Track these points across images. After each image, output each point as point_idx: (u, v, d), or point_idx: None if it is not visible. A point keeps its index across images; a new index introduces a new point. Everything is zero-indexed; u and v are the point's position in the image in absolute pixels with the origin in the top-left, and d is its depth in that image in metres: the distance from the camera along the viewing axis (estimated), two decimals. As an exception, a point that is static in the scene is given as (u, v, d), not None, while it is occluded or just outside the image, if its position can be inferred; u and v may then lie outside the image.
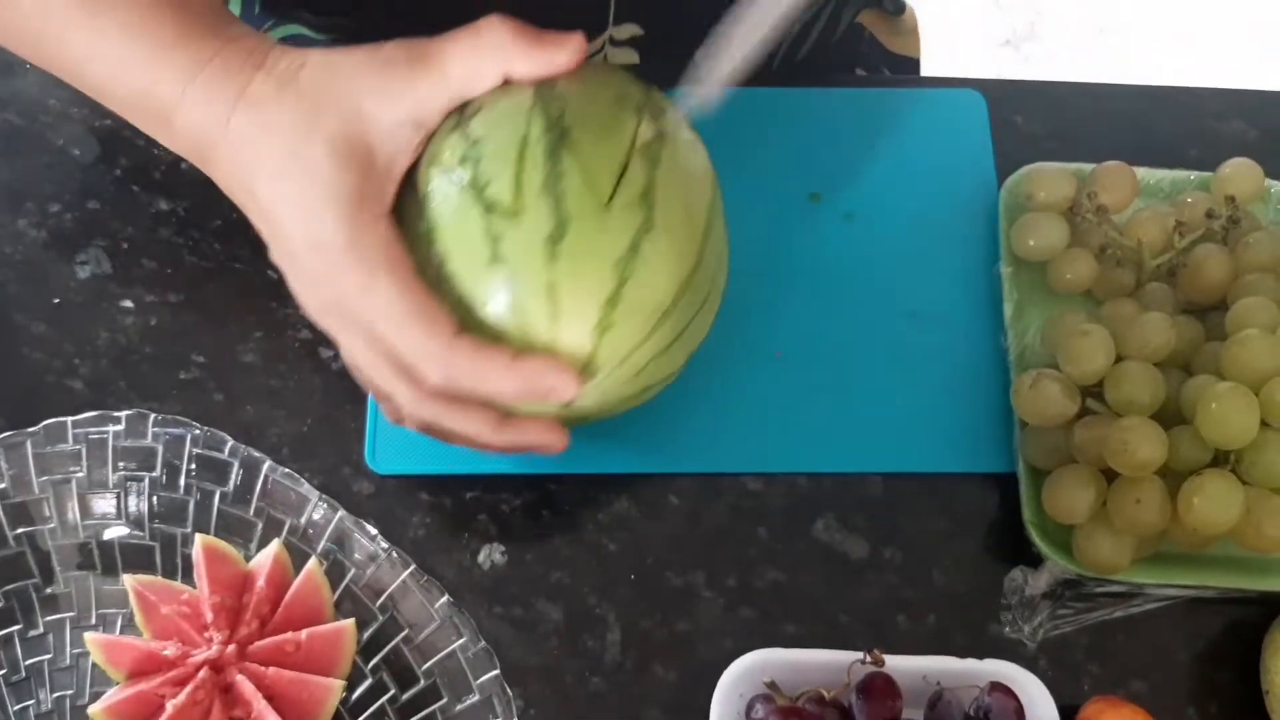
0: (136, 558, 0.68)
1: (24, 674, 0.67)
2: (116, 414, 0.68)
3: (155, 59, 0.62)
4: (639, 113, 0.62)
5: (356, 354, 0.63)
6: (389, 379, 0.62)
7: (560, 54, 0.62)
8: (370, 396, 0.73)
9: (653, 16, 0.82)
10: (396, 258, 0.60)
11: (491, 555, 0.71)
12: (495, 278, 0.60)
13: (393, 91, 0.60)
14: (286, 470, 0.68)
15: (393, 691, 0.66)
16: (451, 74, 0.61)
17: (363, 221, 0.59)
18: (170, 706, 0.63)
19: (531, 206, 0.59)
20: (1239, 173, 0.77)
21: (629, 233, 0.60)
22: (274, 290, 0.76)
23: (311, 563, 0.67)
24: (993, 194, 0.80)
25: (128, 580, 0.66)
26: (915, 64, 1.04)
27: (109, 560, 0.68)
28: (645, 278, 0.60)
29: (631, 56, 0.85)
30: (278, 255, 0.63)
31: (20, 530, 0.68)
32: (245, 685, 0.63)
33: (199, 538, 0.66)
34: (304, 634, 0.65)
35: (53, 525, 0.68)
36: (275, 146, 0.60)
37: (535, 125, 0.60)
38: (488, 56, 0.61)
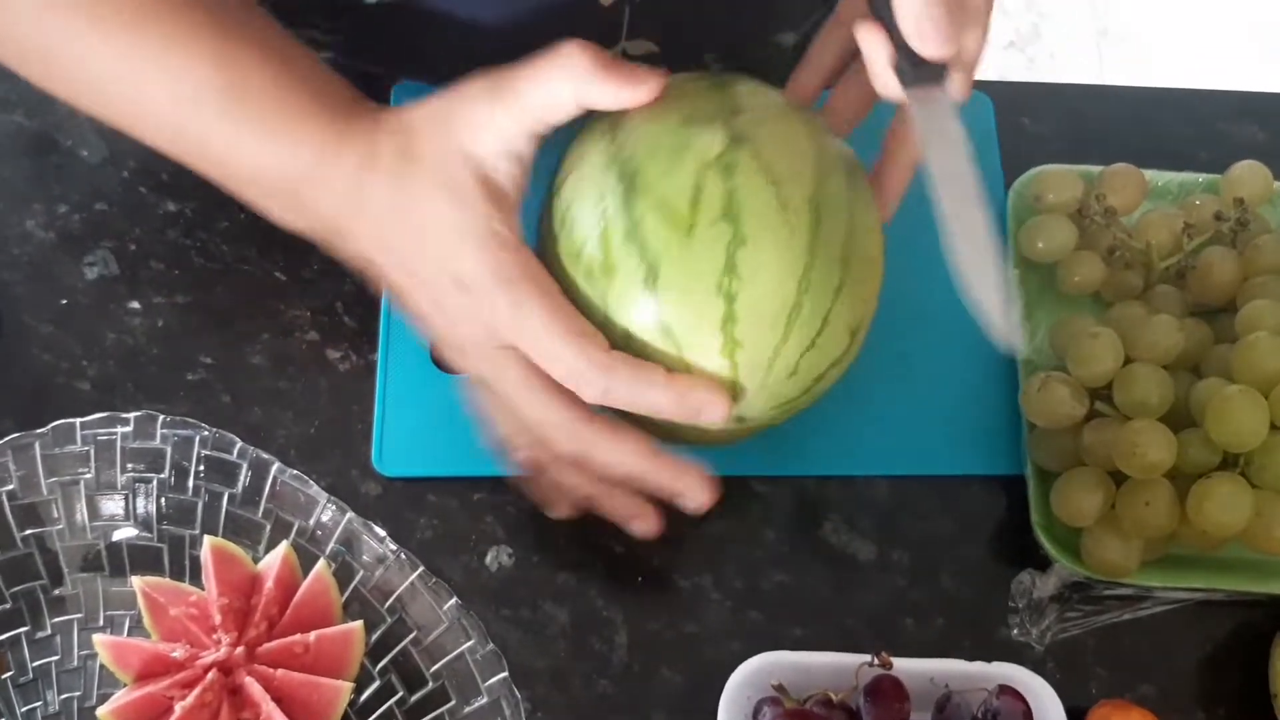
0: (145, 559, 0.68)
1: (31, 675, 0.67)
2: (125, 415, 0.68)
3: (283, 135, 0.62)
4: (711, 123, 0.61)
5: (509, 388, 0.63)
6: (544, 407, 0.62)
7: (640, 90, 0.61)
8: (379, 392, 0.73)
9: (666, 32, 0.82)
10: (543, 281, 0.60)
11: (499, 557, 0.71)
12: (615, 333, 0.61)
13: (479, 125, 0.61)
14: (295, 472, 0.68)
15: (401, 693, 0.66)
16: (528, 103, 0.60)
17: (500, 249, 0.60)
18: (179, 708, 0.63)
19: (621, 261, 0.60)
20: (1247, 175, 0.77)
21: (720, 252, 0.59)
22: (281, 292, 0.76)
23: (320, 564, 0.67)
24: (999, 196, 0.80)
25: (136, 582, 0.66)
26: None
27: (117, 562, 0.68)
28: (754, 289, 0.60)
29: None
30: (415, 304, 0.63)
31: (28, 531, 0.68)
32: (254, 687, 0.63)
33: (207, 539, 0.66)
34: (312, 636, 0.65)
35: (61, 527, 0.68)
36: (403, 205, 0.61)
37: (609, 178, 0.61)
38: (564, 85, 0.60)
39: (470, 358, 0.63)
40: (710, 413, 0.61)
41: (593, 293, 0.61)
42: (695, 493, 0.64)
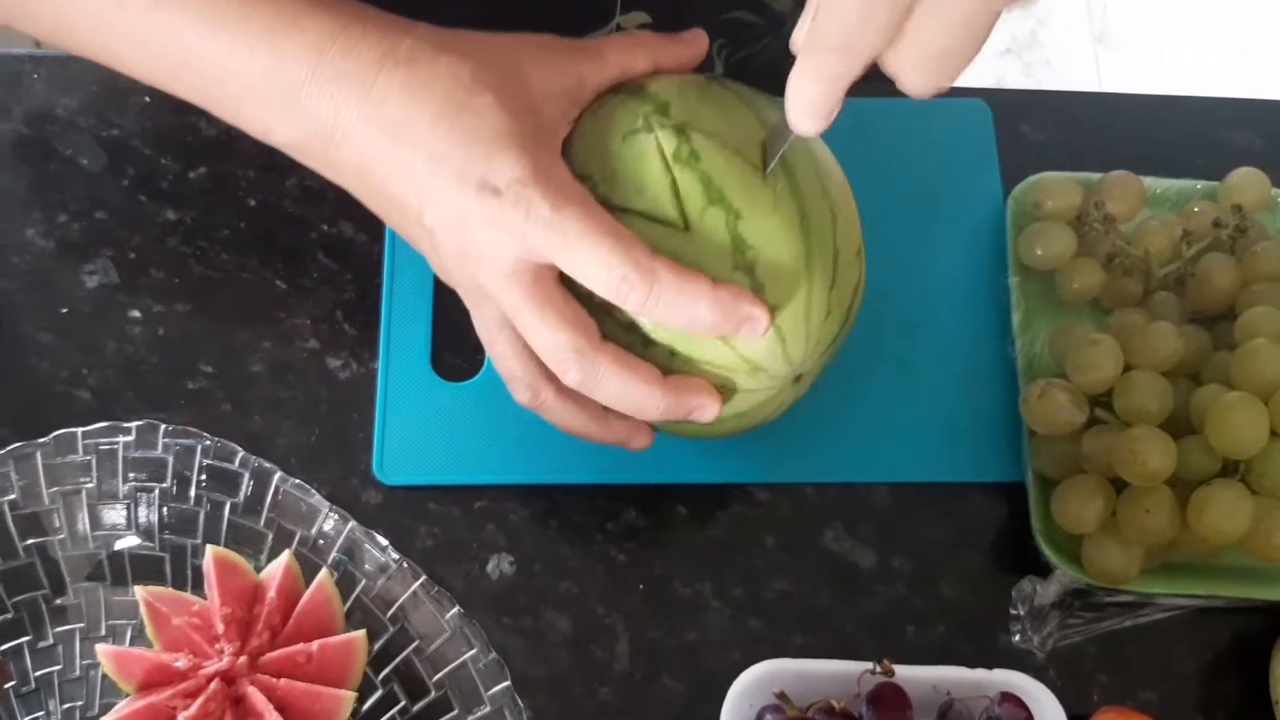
0: (147, 569, 0.68)
1: (34, 685, 0.67)
2: (127, 425, 0.68)
3: (284, 30, 0.59)
4: (650, 129, 0.62)
5: (520, 311, 0.60)
6: (558, 329, 0.59)
7: (694, 47, 0.67)
8: (380, 400, 0.73)
9: (660, 4, 0.82)
10: (582, 191, 0.59)
11: (500, 565, 0.71)
12: (660, 354, 0.61)
13: (556, 64, 0.61)
14: (297, 481, 0.68)
15: (404, 703, 0.66)
16: (609, 60, 0.64)
17: (543, 158, 0.59)
18: (181, 718, 0.63)
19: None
20: (1246, 182, 0.77)
21: (724, 234, 0.60)
22: (281, 300, 0.76)
23: (322, 574, 0.67)
24: (999, 203, 0.80)
25: (138, 591, 0.66)
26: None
27: (119, 571, 0.68)
28: (768, 253, 0.60)
29: None
30: (430, 218, 0.60)
31: (30, 541, 0.68)
32: (257, 697, 0.63)
33: (210, 549, 0.66)
34: (315, 645, 0.65)
35: (63, 536, 0.68)
36: (436, 102, 0.58)
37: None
38: (641, 49, 0.65)
39: (481, 277, 0.60)
40: (753, 327, 0.59)
41: (624, 318, 0.61)
42: (706, 409, 0.62)
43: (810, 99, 0.56)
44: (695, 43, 0.67)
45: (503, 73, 0.60)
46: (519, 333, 0.61)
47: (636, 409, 0.62)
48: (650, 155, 0.61)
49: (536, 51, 0.62)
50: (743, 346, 0.61)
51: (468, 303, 0.64)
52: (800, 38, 0.56)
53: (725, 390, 0.63)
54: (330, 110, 0.59)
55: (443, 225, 0.60)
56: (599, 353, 0.60)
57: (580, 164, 0.62)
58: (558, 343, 0.59)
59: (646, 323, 0.61)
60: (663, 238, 0.60)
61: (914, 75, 0.55)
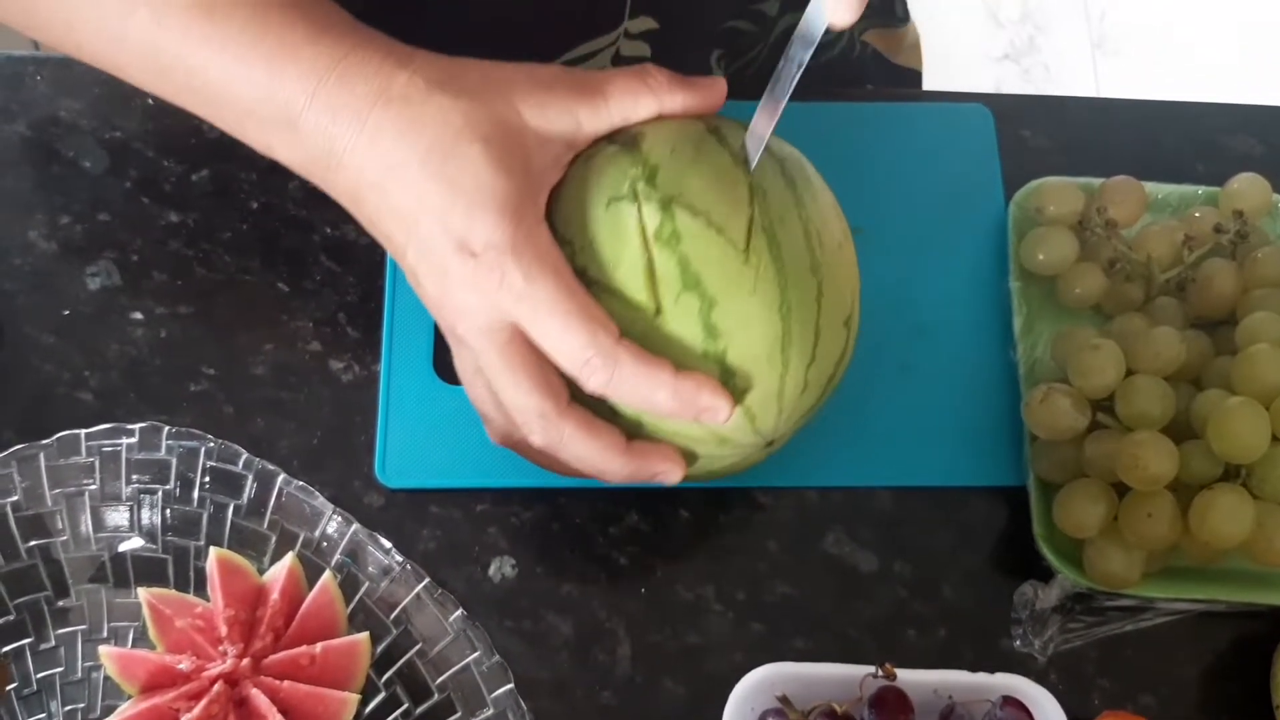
0: (149, 571, 0.68)
1: (36, 687, 0.67)
2: (130, 426, 0.68)
3: (282, 57, 0.59)
4: (635, 198, 0.61)
5: (491, 369, 0.61)
6: (527, 392, 0.60)
7: (711, 94, 0.64)
8: (382, 404, 0.73)
9: (667, 10, 0.83)
10: (559, 261, 0.59)
11: (502, 568, 0.71)
12: (626, 423, 0.62)
13: (552, 107, 0.60)
14: (300, 483, 0.68)
15: (406, 705, 0.66)
16: (612, 102, 0.62)
17: (524, 223, 0.58)
18: (184, 720, 0.63)
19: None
20: (1247, 188, 0.77)
21: (696, 323, 0.60)
22: (284, 302, 0.76)
23: (326, 576, 0.67)
24: (1000, 209, 0.80)
25: (141, 593, 0.66)
26: (917, 77, 1.05)
27: (122, 573, 0.68)
28: (740, 340, 0.60)
29: (644, 50, 0.85)
30: (413, 259, 0.60)
31: (33, 543, 0.68)
32: (260, 699, 0.63)
33: (213, 551, 0.66)
34: (318, 647, 0.65)
35: (65, 538, 0.68)
36: (424, 144, 0.58)
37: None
38: (647, 93, 0.62)
39: (459, 328, 0.61)
40: (713, 416, 0.60)
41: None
42: (669, 474, 0.63)
43: None
44: (713, 91, 0.64)
45: (495, 116, 0.59)
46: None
47: (598, 473, 0.62)
48: (630, 231, 0.60)
49: (535, 91, 0.61)
50: (710, 422, 0.61)
51: (448, 341, 0.64)
52: None
53: (690, 456, 0.63)
54: (325, 140, 0.60)
55: (424, 270, 0.60)
56: (564, 418, 0.60)
57: (564, 224, 0.61)
58: (525, 405, 0.60)
59: None
60: (634, 317, 0.60)
61: None
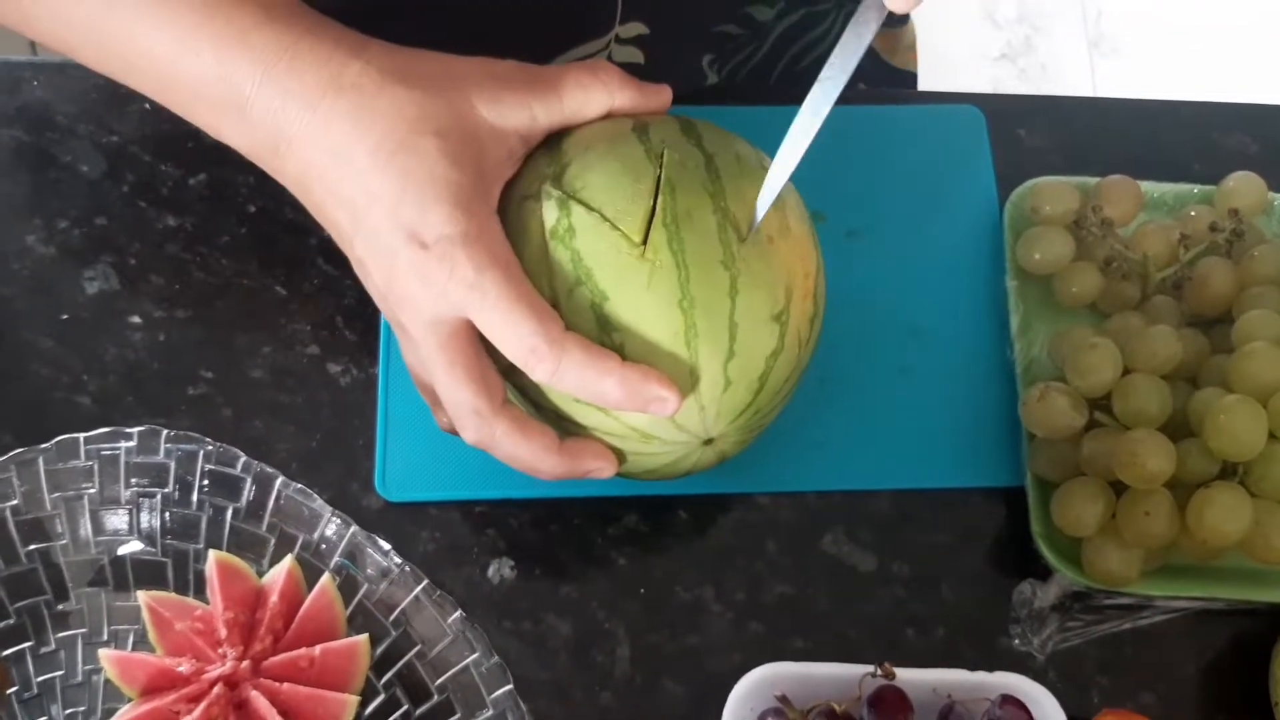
0: (149, 574, 0.68)
1: (36, 691, 0.67)
2: (129, 430, 0.68)
3: (232, 42, 0.59)
4: (542, 196, 0.62)
5: (431, 362, 0.61)
6: (463, 388, 0.60)
7: (657, 98, 0.65)
8: (381, 418, 0.73)
9: (658, 15, 0.83)
10: (509, 255, 0.60)
11: (501, 569, 0.71)
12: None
13: (507, 102, 0.61)
14: (299, 486, 0.68)
15: (406, 707, 0.66)
16: (565, 99, 0.62)
17: (476, 216, 0.59)
18: (184, 723, 0.63)
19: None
20: (1242, 186, 0.77)
21: (590, 317, 0.61)
22: (282, 306, 0.76)
23: (325, 578, 0.67)
24: (994, 209, 0.80)
25: (141, 596, 0.66)
26: (913, 78, 1.05)
27: (121, 577, 0.68)
28: (636, 334, 0.60)
29: (636, 55, 0.85)
30: (361, 249, 0.61)
31: (33, 547, 0.68)
32: (260, 701, 0.63)
33: (213, 554, 0.66)
34: (318, 650, 0.65)
35: (65, 542, 0.68)
36: (376, 134, 0.58)
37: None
38: (601, 93, 0.63)
39: (403, 318, 0.61)
40: (662, 407, 0.60)
41: (519, 381, 0.63)
42: (602, 471, 0.63)
43: None
44: (658, 96, 0.66)
45: (450, 109, 0.60)
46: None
47: (531, 471, 0.63)
48: (532, 228, 0.61)
49: (490, 84, 0.61)
50: (626, 416, 0.62)
51: (394, 330, 0.64)
52: None
53: (620, 453, 0.64)
54: (274, 125, 0.60)
55: (372, 260, 0.60)
56: (497, 416, 0.61)
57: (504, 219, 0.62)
58: (460, 400, 0.61)
59: (535, 390, 0.62)
60: None
61: None
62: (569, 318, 0.60)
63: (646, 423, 0.62)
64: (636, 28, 0.83)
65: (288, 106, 0.59)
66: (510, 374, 0.62)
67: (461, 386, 0.60)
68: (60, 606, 0.68)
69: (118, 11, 0.61)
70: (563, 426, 0.63)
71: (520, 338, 0.59)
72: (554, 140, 0.64)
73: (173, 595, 0.67)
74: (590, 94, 0.63)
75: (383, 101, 0.59)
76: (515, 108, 0.61)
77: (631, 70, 0.66)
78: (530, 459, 0.62)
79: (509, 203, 0.62)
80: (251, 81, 0.59)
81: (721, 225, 0.62)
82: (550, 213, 0.61)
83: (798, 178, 0.64)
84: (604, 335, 0.60)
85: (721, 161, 0.64)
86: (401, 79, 0.59)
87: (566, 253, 0.61)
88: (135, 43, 0.61)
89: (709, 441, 0.63)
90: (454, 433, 0.65)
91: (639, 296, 0.60)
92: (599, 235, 0.61)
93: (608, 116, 0.65)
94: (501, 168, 0.62)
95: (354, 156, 0.59)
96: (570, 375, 0.59)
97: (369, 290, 0.63)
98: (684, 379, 0.61)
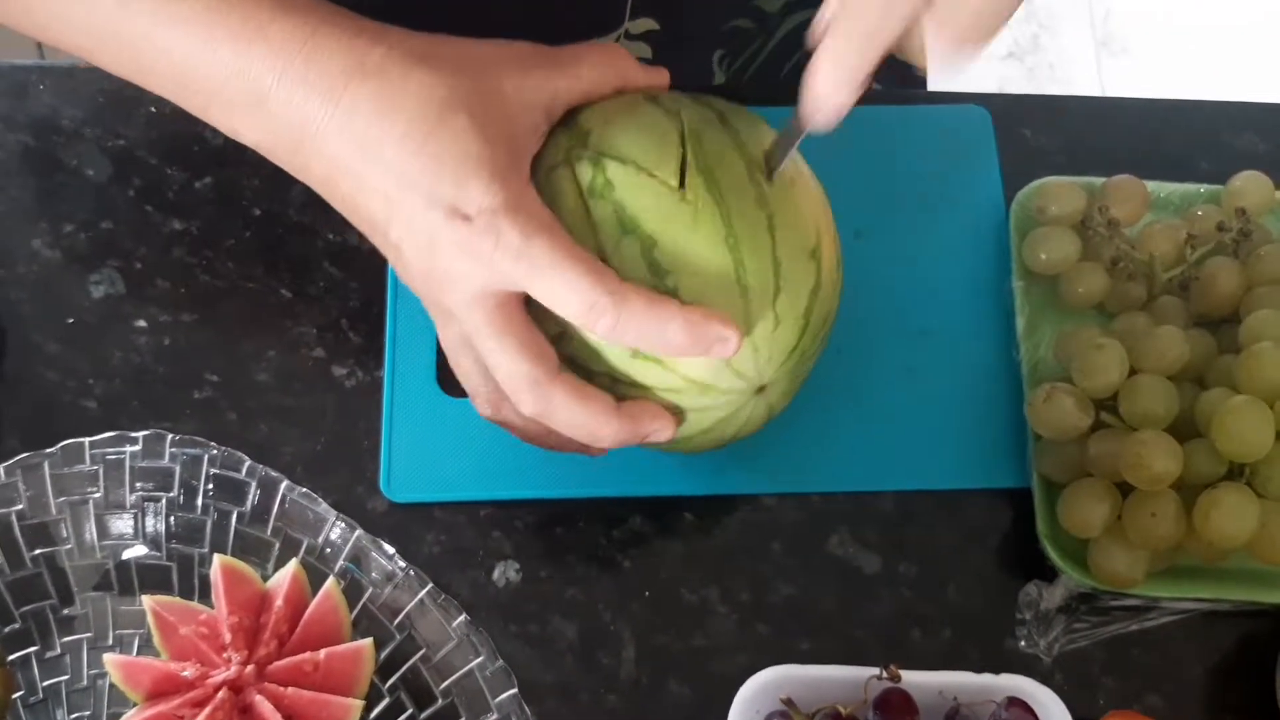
0: (154, 578, 0.68)
1: (41, 695, 0.67)
2: (133, 434, 0.68)
3: (250, 35, 0.59)
4: (569, 161, 0.62)
5: (481, 339, 0.61)
6: (517, 359, 0.60)
7: (660, 76, 0.67)
8: (386, 419, 0.73)
9: (668, 11, 0.83)
10: (551, 219, 0.59)
11: (506, 572, 0.71)
12: (601, 381, 0.62)
13: (531, 79, 0.61)
14: (304, 490, 0.68)
15: (411, 711, 0.66)
16: (584, 76, 0.63)
17: (513, 186, 0.59)
18: (189, 727, 0.63)
19: None
20: (1249, 185, 0.77)
21: (640, 263, 0.61)
22: (287, 309, 0.76)
23: (329, 582, 0.67)
24: (1000, 210, 0.80)
25: (146, 601, 0.66)
26: (921, 75, 1.05)
27: (126, 581, 0.68)
28: (688, 276, 0.60)
29: (645, 51, 0.85)
30: (396, 234, 0.60)
31: (38, 551, 0.68)
32: (264, 705, 0.63)
33: (217, 558, 0.66)
34: (322, 654, 0.65)
35: (70, 546, 0.68)
36: (405, 119, 0.58)
37: None
38: (613, 65, 0.64)
39: (446, 300, 0.61)
40: (724, 348, 0.60)
41: (564, 350, 0.62)
42: (661, 432, 0.63)
43: (837, 74, 0.56)
44: (660, 76, 0.67)
45: (478, 89, 0.60)
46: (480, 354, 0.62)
47: (591, 437, 0.62)
48: (566, 191, 0.62)
49: (513, 64, 0.62)
50: (683, 368, 0.61)
51: (432, 316, 0.64)
52: (823, 22, 0.57)
53: (678, 411, 0.63)
54: (297, 118, 0.59)
55: (410, 244, 0.60)
56: (554, 384, 0.60)
57: None
58: (515, 371, 0.60)
59: (588, 351, 0.62)
60: None
61: (944, 44, 0.56)
62: (620, 269, 0.60)
63: (704, 372, 0.61)
64: (647, 23, 0.83)
65: (310, 98, 0.59)
66: (558, 343, 0.62)
67: (515, 356, 0.60)
68: (65, 611, 0.68)
69: (132, 12, 0.60)
70: (617, 390, 0.63)
71: (579, 295, 0.58)
72: (569, 117, 0.64)
73: (177, 600, 0.67)
74: (606, 71, 0.65)
75: (410, 85, 0.59)
76: (539, 83, 0.62)
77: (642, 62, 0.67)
78: (590, 424, 0.61)
79: (537, 175, 0.62)
80: (272, 74, 0.59)
81: (750, 169, 0.62)
82: (585, 172, 0.61)
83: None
84: (658, 281, 0.60)
85: (733, 118, 0.65)
86: (426, 62, 0.59)
87: (609, 206, 0.61)
88: (151, 42, 0.61)
89: (760, 390, 0.63)
90: (497, 419, 0.64)
91: (687, 238, 0.60)
92: (638, 185, 0.61)
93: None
94: (529, 140, 0.62)
95: (383, 146, 0.58)
96: (632, 326, 0.59)
97: (404, 278, 0.63)
98: (738, 317, 0.61)
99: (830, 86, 0.57)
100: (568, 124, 0.64)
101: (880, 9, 0.55)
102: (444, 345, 0.65)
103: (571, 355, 0.62)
